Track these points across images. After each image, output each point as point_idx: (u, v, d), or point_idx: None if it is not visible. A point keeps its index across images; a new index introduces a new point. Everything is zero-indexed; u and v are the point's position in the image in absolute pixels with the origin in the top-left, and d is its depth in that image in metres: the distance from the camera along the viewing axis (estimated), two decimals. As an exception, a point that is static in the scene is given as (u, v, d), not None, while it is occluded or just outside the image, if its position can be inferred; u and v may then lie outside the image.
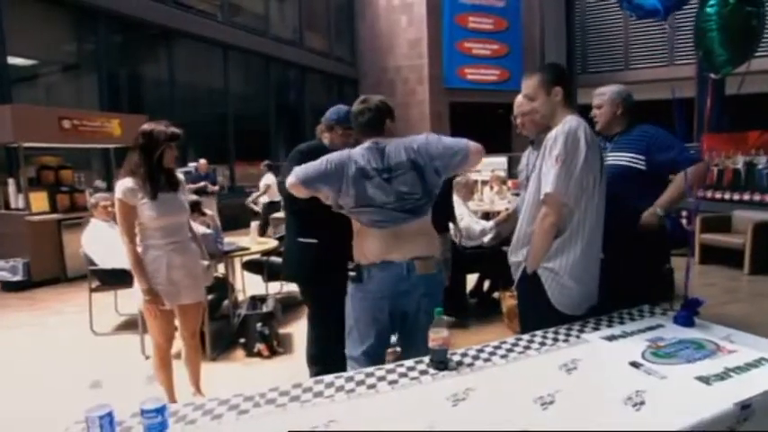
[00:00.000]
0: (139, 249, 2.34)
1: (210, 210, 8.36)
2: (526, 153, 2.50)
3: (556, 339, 1.75)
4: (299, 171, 1.91)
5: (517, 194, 5.17)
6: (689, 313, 1.84)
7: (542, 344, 1.71)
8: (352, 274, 1.96)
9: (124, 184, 2.29)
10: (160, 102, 8.91)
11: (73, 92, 8.01)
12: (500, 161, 9.22)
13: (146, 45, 8.87)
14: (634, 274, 2.19)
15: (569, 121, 1.84)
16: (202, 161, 8.33)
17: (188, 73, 9.40)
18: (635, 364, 1.52)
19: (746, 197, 6.01)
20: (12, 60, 6.56)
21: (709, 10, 1.80)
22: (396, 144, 1.92)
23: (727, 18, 1.70)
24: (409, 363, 1.59)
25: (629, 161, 2.31)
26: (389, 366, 1.57)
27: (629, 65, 12.83)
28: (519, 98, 2.30)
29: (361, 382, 1.47)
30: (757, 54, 1.87)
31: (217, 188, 8.46)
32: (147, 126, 2.37)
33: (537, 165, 2.37)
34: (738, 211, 5.83)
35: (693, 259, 2.01)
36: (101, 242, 3.80)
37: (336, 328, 2.50)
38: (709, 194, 6.22)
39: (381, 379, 1.49)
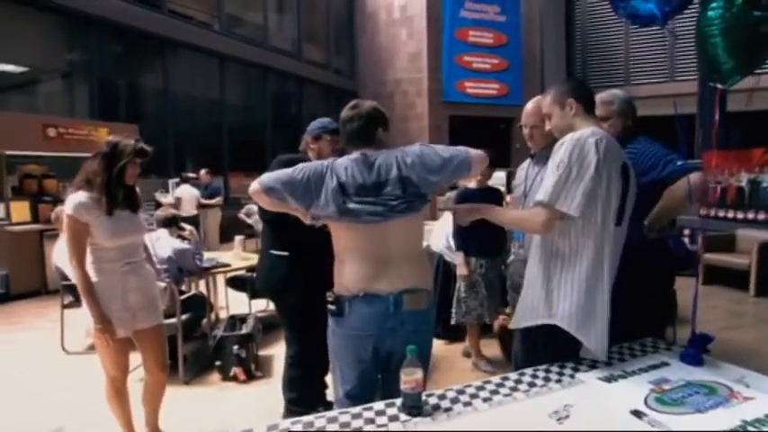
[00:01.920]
0: (90, 272, 2.09)
1: (215, 223, 8.28)
2: (524, 166, 2.33)
3: (547, 379, 1.55)
4: (263, 177, 1.70)
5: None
6: (697, 351, 1.64)
7: (531, 384, 1.52)
8: (331, 307, 1.72)
9: (76, 198, 2.06)
10: (156, 112, 8.79)
11: (65, 100, 7.89)
12: (499, 176, 9.05)
13: (141, 54, 8.77)
14: (636, 299, 1.98)
15: (582, 131, 1.64)
16: (203, 171, 8.17)
17: (184, 83, 9.30)
18: (637, 413, 1.32)
19: (751, 216, 5.83)
20: (2, 67, 6.45)
21: (711, 13, 1.64)
22: (386, 156, 1.69)
23: (730, 22, 1.53)
24: (379, 405, 1.40)
25: None
26: (355, 410, 1.37)
27: (630, 80, 12.75)
28: (528, 107, 2.14)
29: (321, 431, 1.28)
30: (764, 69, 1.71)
31: (221, 199, 8.25)
32: (112, 137, 2.20)
33: (538, 180, 2.21)
34: (742, 230, 5.64)
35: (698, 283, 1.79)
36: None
37: (311, 349, 2.34)
38: (712, 213, 6.04)
39: (345, 426, 1.29)
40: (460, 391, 1.47)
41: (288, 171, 1.69)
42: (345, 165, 1.68)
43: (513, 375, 1.58)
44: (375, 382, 1.78)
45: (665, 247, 2.13)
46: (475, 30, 13.30)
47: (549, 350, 1.72)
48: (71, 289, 3.64)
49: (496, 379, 1.56)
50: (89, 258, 2.10)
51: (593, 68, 13.86)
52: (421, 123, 12.80)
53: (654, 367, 1.62)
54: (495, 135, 12.84)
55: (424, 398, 1.38)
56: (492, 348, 3.54)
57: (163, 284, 2.52)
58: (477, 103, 13.33)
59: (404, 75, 13.04)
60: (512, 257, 2.44)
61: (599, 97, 2.16)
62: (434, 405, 1.38)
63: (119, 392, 2.26)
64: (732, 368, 1.61)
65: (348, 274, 1.69)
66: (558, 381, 1.54)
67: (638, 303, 1.96)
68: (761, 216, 5.74)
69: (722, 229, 5.71)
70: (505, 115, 13.64)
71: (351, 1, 13.44)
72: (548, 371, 1.60)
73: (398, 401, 1.38)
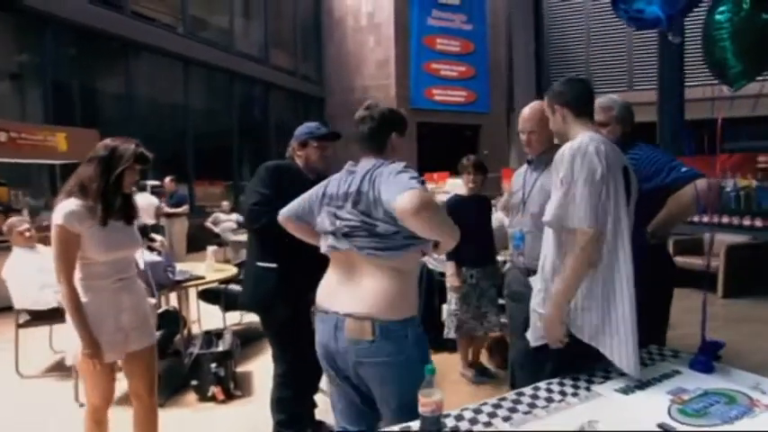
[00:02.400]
0: (78, 290, 1.86)
1: (182, 233, 7.91)
2: (521, 172, 2.27)
3: (563, 393, 1.48)
4: (288, 205, 1.75)
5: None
6: (708, 358, 1.61)
7: (549, 400, 1.44)
8: None
9: (67, 206, 1.83)
10: (117, 116, 8.41)
11: (15, 103, 7.42)
12: (457, 182, 9.09)
13: (102, 57, 8.39)
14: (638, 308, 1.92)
15: (579, 139, 1.59)
16: (168, 179, 7.85)
17: (147, 87, 8.95)
18: (664, 427, 1.27)
19: (716, 220, 6.02)
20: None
21: (719, 17, 1.62)
22: (365, 168, 1.55)
23: (740, 26, 1.52)
24: (394, 429, 1.30)
25: None
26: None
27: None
28: (525, 112, 2.08)
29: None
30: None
31: (187, 208, 7.88)
32: (110, 140, 1.97)
33: (537, 185, 2.16)
34: (709, 234, 5.81)
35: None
36: (24, 276, 3.30)
37: (301, 367, 2.21)
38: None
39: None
40: (477, 411, 1.37)
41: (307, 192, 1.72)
42: (337, 176, 1.65)
43: (528, 390, 1.50)
44: (354, 399, 1.62)
45: (665, 253, 2.10)
46: (442, 38, 13.44)
47: (558, 361, 1.66)
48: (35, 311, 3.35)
49: (511, 395, 1.48)
50: (77, 275, 1.87)
51: (555, 77, 14.25)
52: (389, 130, 12.77)
53: (666, 376, 1.58)
54: (463, 142, 12.95)
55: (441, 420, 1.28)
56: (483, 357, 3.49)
57: (153, 301, 2.31)
58: (445, 110, 13.45)
59: (372, 81, 13.02)
60: (508, 266, 2.38)
61: (598, 102, 2.12)
62: (453, 428, 1.28)
63: (99, 423, 2.01)
64: (744, 374, 1.58)
65: (321, 284, 1.67)
66: (575, 394, 1.47)
67: (640, 311, 1.92)
68: (725, 220, 5.93)
69: (691, 233, 5.87)
70: (473, 122, 13.82)
71: (318, 7, 13.33)
72: (561, 384, 1.54)
73: (414, 425, 1.28)
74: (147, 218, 7.09)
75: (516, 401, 1.43)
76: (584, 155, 1.54)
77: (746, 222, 5.92)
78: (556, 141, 1.91)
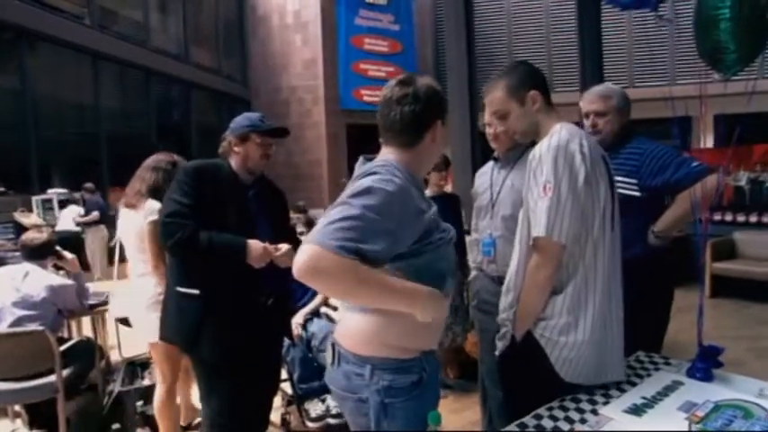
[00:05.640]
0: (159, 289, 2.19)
1: (101, 245, 7.06)
2: (485, 171, 2.08)
3: (570, 420, 1.29)
4: None
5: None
6: (708, 366, 1.50)
7: (556, 429, 1.25)
8: None
9: (155, 205, 2.23)
10: (11, 117, 7.39)
11: None
12: None
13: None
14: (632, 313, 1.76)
15: (557, 132, 1.39)
16: (87, 187, 7.09)
17: (49, 84, 7.97)
18: (693, 455, 1.11)
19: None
20: None
21: (719, -1, 1.49)
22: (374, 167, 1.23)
23: (740, 7, 1.40)
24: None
25: (620, 186, 1.84)
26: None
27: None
28: (489, 99, 1.89)
29: None
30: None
31: (97, 215, 7.00)
32: (166, 155, 2.55)
33: (507, 185, 1.98)
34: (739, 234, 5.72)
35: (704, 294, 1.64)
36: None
37: (232, 412, 1.88)
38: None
39: None
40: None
41: None
42: None
43: (531, 421, 1.30)
44: None
45: (668, 256, 1.97)
46: (370, 37, 13.29)
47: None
48: None
49: (513, 428, 1.27)
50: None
51: (482, 77, 14.54)
52: (318, 131, 12.46)
53: (669, 388, 1.45)
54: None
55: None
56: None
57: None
58: (375, 111, 13.07)
59: (299, 81, 12.61)
60: (473, 273, 2.18)
61: (596, 90, 1.98)
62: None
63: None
64: (745, 380, 1.49)
65: None
66: (583, 420, 1.29)
67: (635, 317, 1.78)
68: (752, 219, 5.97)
69: (718, 233, 5.79)
70: (404, 123, 13.79)
71: (241, 3, 12.70)
72: (564, 409, 1.35)
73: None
74: (71, 226, 6.53)
75: (522, 435, 1.23)
76: (565, 154, 1.35)
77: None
78: (518, 138, 1.68)
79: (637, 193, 1.90)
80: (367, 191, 1.10)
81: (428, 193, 2.98)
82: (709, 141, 8.23)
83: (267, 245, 1.80)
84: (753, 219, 5.97)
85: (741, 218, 5.93)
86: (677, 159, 1.85)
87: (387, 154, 1.29)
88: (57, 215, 6.69)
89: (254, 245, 1.77)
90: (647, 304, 1.86)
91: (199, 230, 1.71)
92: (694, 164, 1.82)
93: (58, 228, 6.20)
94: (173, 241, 1.71)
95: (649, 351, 1.73)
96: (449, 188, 3.65)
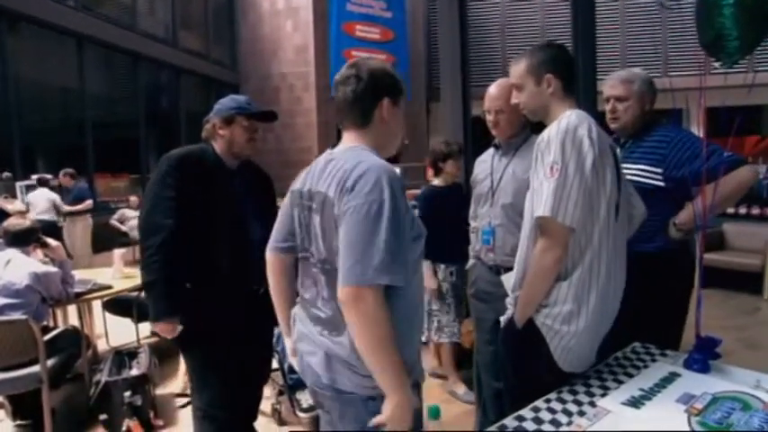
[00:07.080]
0: None
1: (85, 233, 6.91)
2: (485, 158, 2.05)
3: (568, 413, 1.27)
4: None
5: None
6: (705, 357, 1.49)
7: (556, 423, 1.23)
8: None
9: None
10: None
11: None
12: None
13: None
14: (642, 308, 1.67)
15: (567, 117, 1.38)
16: (63, 174, 6.87)
17: (31, 67, 7.75)
18: (693, 448, 1.10)
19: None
20: None
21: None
22: (343, 159, 1.19)
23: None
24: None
25: (644, 176, 1.80)
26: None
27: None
28: (492, 90, 1.84)
29: None
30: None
31: (90, 203, 6.89)
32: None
33: (508, 172, 1.95)
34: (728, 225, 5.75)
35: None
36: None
37: (224, 404, 1.86)
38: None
39: None
40: (479, 447, 1.13)
41: None
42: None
43: (529, 413, 1.28)
44: None
45: (690, 251, 1.89)
46: (362, 24, 13.12)
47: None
48: None
49: (510, 420, 1.25)
50: None
51: (475, 67, 14.48)
52: (309, 119, 12.34)
53: (666, 380, 1.44)
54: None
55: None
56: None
57: None
58: (367, 100, 13.19)
59: (290, 68, 12.45)
60: (471, 262, 2.16)
61: (618, 75, 1.88)
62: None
63: None
64: (742, 371, 1.49)
65: None
66: (582, 413, 1.27)
67: (658, 311, 1.76)
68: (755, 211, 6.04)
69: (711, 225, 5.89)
70: (394, 112, 13.70)
71: (230, -14, 12.47)
72: (562, 401, 1.33)
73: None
74: (45, 215, 6.16)
75: (519, 428, 1.21)
76: (573, 137, 1.34)
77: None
78: (526, 114, 1.62)
79: (661, 183, 1.81)
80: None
81: (442, 182, 2.92)
82: (700, 134, 8.27)
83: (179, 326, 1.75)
84: (742, 210, 6.02)
85: (730, 209, 5.97)
86: (707, 148, 1.72)
87: (347, 140, 1.28)
88: (25, 200, 6.23)
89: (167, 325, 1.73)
90: (669, 298, 1.84)
91: (174, 237, 1.68)
92: (726, 153, 1.72)
93: (32, 216, 5.87)
94: (148, 243, 1.70)
95: (670, 345, 1.70)
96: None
